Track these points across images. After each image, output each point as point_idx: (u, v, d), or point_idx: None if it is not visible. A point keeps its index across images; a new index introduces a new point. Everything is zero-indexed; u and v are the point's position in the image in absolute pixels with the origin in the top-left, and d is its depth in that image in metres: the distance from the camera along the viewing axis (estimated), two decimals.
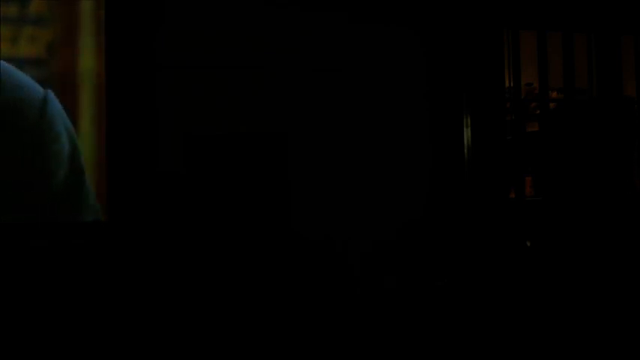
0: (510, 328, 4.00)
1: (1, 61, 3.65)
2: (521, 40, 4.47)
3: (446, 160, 4.35)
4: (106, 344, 3.65)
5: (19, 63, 3.73)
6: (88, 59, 3.84)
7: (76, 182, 3.76)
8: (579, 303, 4.23)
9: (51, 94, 3.72)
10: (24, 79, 3.71)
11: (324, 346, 3.86)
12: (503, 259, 4.24)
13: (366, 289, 4.12)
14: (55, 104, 3.72)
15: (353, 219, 4.15)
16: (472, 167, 4.24)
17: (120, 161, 3.79)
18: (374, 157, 4.24)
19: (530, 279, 4.28)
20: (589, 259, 4.39)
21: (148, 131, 3.82)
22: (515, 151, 4.44)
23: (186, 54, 3.94)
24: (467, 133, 4.27)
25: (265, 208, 4.02)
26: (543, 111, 4.62)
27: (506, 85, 4.44)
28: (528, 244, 4.44)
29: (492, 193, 4.26)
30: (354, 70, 4.23)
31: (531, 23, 4.50)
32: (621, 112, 4.61)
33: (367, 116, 4.24)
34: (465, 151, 4.27)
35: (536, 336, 3.98)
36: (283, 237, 4.02)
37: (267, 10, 4.07)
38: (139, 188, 3.79)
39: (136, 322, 3.71)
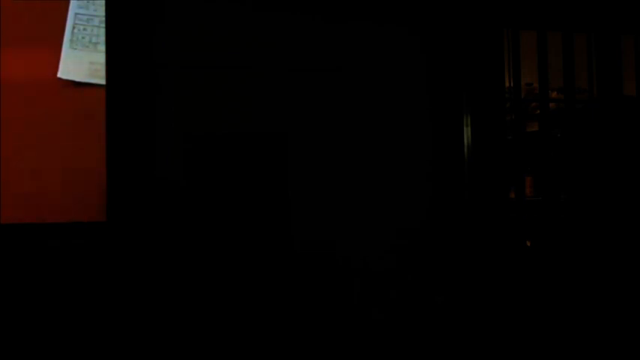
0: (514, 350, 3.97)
1: None
2: (521, 40, 4.47)
3: (446, 160, 4.35)
4: (104, 343, 3.65)
5: None
6: None
7: None
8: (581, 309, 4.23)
9: None
10: None
11: (321, 356, 3.85)
12: (503, 263, 4.22)
13: (365, 303, 4.09)
14: None
15: (353, 220, 4.14)
16: (472, 167, 4.24)
17: (119, 161, 3.79)
18: (374, 156, 4.23)
19: (532, 282, 4.27)
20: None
21: (147, 130, 3.82)
22: (515, 151, 4.44)
23: (186, 53, 3.94)
24: (467, 133, 4.26)
25: (264, 209, 4.02)
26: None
27: (507, 85, 4.44)
28: (528, 244, 4.44)
29: (492, 193, 4.26)
30: (354, 70, 4.23)
31: (531, 23, 4.50)
32: None
33: (367, 116, 4.24)
34: (465, 151, 4.27)
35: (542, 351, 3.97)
36: (282, 239, 4.01)
37: (267, 10, 4.07)
38: (138, 188, 3.78)
39: (135, 322, 3.71)
